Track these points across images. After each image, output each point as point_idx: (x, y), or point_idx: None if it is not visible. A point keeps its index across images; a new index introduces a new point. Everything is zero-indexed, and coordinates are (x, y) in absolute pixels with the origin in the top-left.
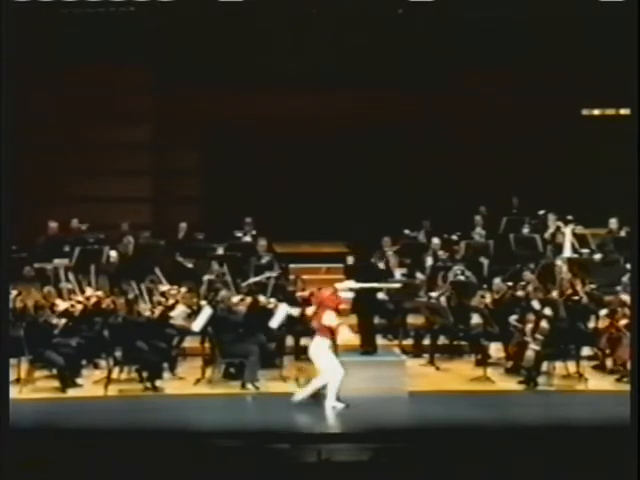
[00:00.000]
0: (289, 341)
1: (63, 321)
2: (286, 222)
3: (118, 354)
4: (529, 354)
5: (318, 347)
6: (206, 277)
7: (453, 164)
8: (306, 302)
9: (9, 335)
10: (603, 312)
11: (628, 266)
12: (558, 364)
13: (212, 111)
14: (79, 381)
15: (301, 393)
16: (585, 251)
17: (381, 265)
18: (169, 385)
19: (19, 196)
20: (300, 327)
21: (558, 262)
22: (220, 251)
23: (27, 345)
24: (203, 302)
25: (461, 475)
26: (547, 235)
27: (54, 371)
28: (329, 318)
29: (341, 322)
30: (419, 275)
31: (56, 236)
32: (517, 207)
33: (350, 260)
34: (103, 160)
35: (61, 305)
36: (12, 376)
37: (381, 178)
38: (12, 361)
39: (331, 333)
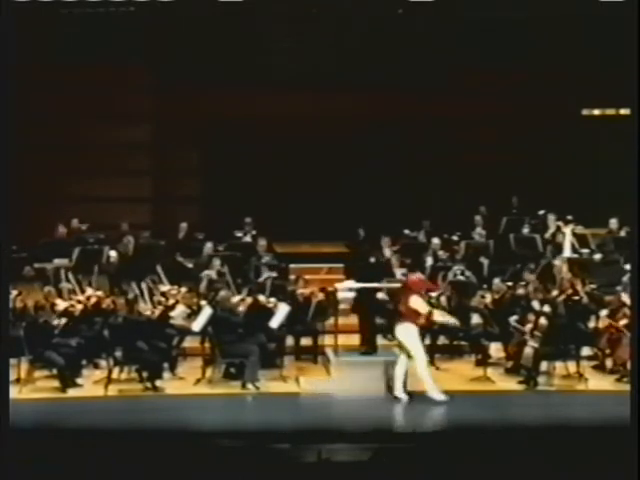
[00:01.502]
0: (289, 341)
1: (63, 321)
2: (286, 222)
3: (118, 354)
4: (527, 351)
5: (407, 331)
6: (205, 272)
7: (453, 164)
8: (307, 300)
9: (9, 335)
10: (603, 312)
11: (628, 266)
12: (558, 364)
13: (212, 111)
14: (79, 381)
15: (430, 389)
16: (585, 251)
17: (381, 265)
18: (169, 385)
19: (19, 196)
20: (300, 327)
21: (558, 262)
22: (209, 246)
23: (27, 345)
24: (203, 302)
25: (461, 475)
26: (547, 235)
27: (54, 371)
28: (416, 302)
29: (431, 309)
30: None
31: (56, 236)
32: (517, 207)
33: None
34: (103, 160)
35: (61, 305)
36: (12, 376)
37: (381, 178)
38: (12, 361)
39: (418, 318)
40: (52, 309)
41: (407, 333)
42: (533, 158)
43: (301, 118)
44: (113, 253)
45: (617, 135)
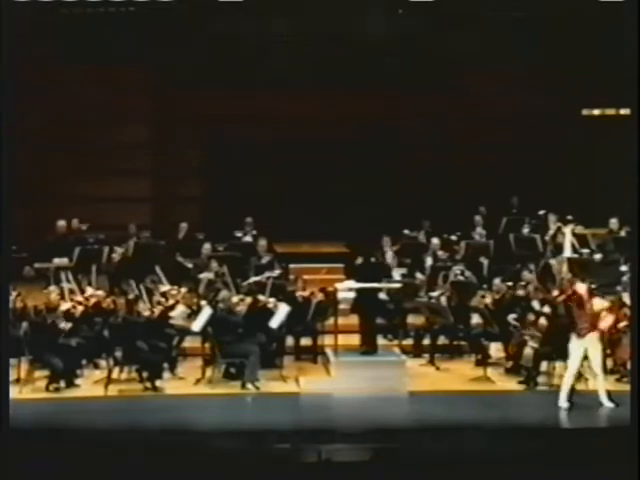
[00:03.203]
0: (289, 341)
1: (69, 325)
2: (286, 222)
3: (118, 354)
4: (527, 352)
5: (593, 342)
6: (203, 275)
7: (453, 164)
8: (306, 301)
9: (9, 335)
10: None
11: (628, 266)
12: (558, 364)
13: (212, 111)
14: (77, 382)
15: (563, 394)
16: (585, 251)
17: (381, 265)
18: (169, 385)
19: (19, 196)
20: (300, 327)
21: (558, 262)
22: (207, 247)
23: (27, 345)
24: (203, 302)
25: (461, 475)
26: (547, 235)
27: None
28: (599, 304)
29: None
30: (419, 275)
31: (56, 236)
32: (517, 207)
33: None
34: (103, 160)
35: (62, 305)
36: (12, 376)
37: (381, 178)
38: (12, 361)
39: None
40: (53, 310)
41: (593, 344)
42: (533, 158)
43: (301, 118)
44: (120, 250)
45: (617, 135)
